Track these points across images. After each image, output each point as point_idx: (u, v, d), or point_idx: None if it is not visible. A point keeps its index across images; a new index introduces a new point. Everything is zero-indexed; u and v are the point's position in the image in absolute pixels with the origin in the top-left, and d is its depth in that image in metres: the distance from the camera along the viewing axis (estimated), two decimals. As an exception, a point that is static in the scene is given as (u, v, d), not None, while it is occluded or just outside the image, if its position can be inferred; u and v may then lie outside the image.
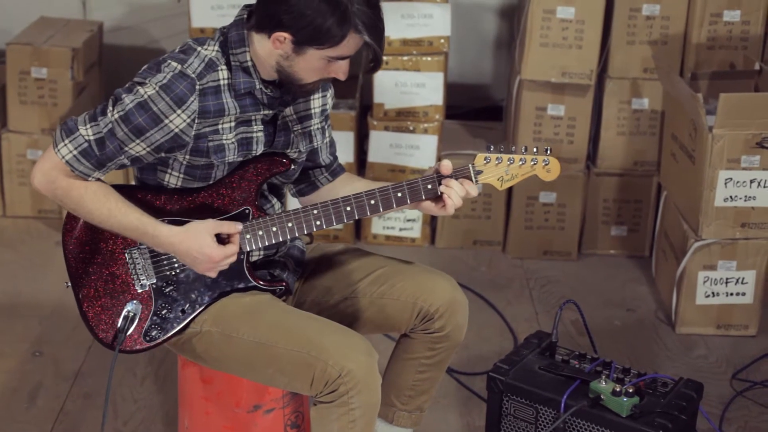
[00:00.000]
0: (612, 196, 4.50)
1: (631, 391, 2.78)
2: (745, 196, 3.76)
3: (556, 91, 4.35)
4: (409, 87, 4.42)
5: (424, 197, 2.59)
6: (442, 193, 2.57)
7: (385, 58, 4.31)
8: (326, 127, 2.78)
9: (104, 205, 2.52)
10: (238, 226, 2.55)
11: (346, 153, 4.49)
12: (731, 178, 3.73)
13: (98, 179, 2.54)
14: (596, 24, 4.23)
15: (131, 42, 5.09)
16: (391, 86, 4.42)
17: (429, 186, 2.58)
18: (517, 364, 2.99)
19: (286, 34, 2.42)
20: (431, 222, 4.56)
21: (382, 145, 4.49)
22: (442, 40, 4.38)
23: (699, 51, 4.24)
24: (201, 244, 2.51)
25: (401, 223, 4.55)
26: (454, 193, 2.56)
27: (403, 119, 4.47)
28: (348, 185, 2.78)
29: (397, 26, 4.35)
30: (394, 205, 2.59)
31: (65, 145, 2.49)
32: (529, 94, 4.36)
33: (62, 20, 4.90)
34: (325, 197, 2.75)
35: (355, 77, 4.72)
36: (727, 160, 3.71)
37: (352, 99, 4.57)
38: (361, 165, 4.60)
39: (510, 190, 4.47)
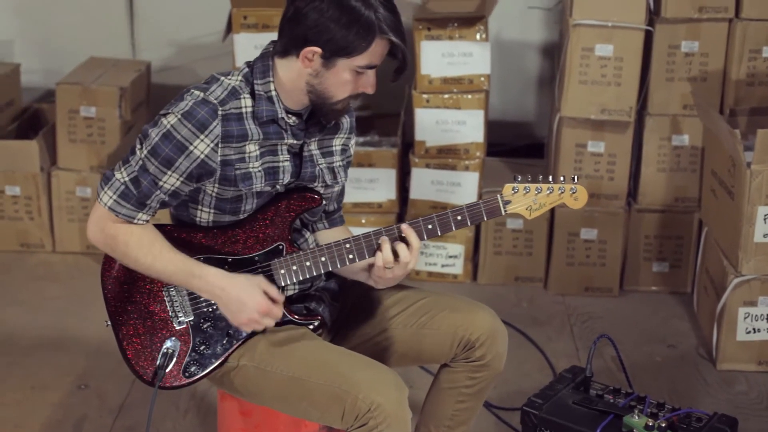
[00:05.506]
0: (653, 232, 4.50)
1: (664, 425, 2.79)
2: (785, 232, 3.76)
3: (596, 128, 4.36)
4: (450, 124, 4.46)
5: (454, 228, 2.64)
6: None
7: (425, 96, 4.42)
8: (346, 169, 2.82)
9: (149, 251, 2.58)
10: (282, 297, 2.61)
11: (388, 190, 4.54)
12: (770, 214, 3.73)
13: (145, 221, 2.60)
14: (635, 61, 4.25)
15: (178, 81, 5.18)
16: (432, 124, 4.46)
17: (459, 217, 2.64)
18: (551, 398, 3.01)
19: (315, 49, 2.49)
20: (473, 258, 4.58)
21: (424, 182, 4.53)
22: (482, 78, 4.42)
23: (738, 87, 4.24)
24: (252, 293, 2.57)
25: (443, 259, 4.57)
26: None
27: (445, 156, 4.50)
28: (344, 236, 2.76)
29: (437, 64, 4.40)
30: (426, 237, 2.63)
31: (105, 192, 2.57)
32: (569, 131, 4.38)
33: (111, 60, 5.00)
34: (319, 242, 2.80)
35: (397, 115, 4.77)
36: (766, 195, 3.70)
37: (394, 137, 4.62)
38: (403, 202, 4.64)
39: (551, 226, 4.49)
